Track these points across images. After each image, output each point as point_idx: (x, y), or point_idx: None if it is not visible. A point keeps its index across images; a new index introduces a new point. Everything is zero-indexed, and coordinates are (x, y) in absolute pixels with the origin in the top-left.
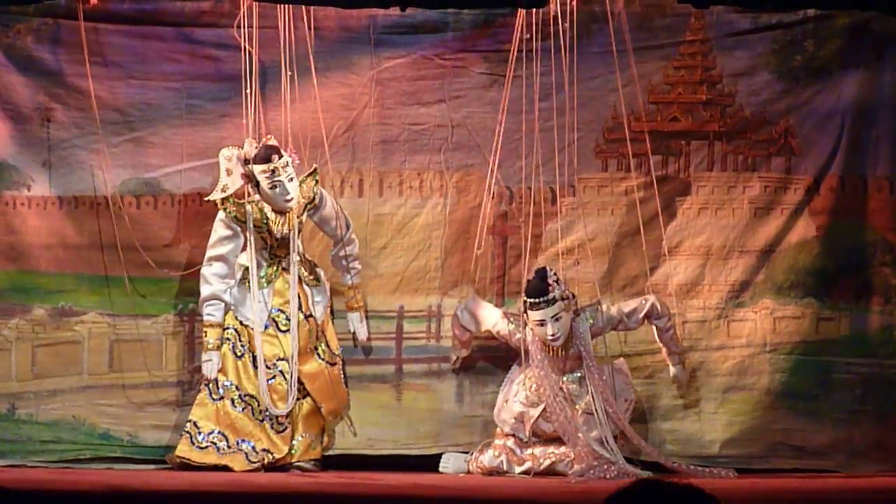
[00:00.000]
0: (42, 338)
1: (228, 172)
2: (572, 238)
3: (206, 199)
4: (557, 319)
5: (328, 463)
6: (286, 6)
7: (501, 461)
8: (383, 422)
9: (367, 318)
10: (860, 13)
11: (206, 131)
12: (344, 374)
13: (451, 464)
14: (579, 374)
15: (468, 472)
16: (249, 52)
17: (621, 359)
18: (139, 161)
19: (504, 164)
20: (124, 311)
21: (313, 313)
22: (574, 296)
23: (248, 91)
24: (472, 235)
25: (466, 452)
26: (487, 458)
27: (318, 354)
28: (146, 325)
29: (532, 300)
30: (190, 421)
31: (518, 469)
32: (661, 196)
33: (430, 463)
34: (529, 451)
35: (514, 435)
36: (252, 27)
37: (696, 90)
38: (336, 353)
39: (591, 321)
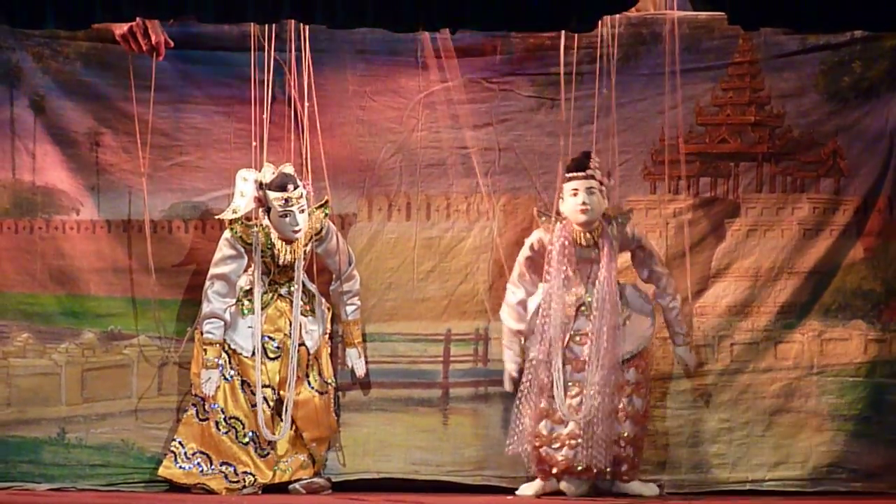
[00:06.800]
0: (91, 362)
1: (242, 194)
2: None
3: (216, 217)
4: (591, 193)
5: (374, 485)
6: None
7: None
8: (428, 446)
9: (364, 353)
10: None
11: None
12: (336, 402)
13: (528, 488)
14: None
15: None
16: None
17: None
18: (188, 185)
19: (551, 188)
20: (173, 334)
21: (305, 342)
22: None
23: (290, 115)
24: None
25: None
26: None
27: (309, 382)
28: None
29: (572, 173)
30: (175, 439)
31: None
32: (710, 218)
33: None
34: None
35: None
36: (299, 50)
37: (744, 111)
38: (328, 381)
39: (621, 223)
